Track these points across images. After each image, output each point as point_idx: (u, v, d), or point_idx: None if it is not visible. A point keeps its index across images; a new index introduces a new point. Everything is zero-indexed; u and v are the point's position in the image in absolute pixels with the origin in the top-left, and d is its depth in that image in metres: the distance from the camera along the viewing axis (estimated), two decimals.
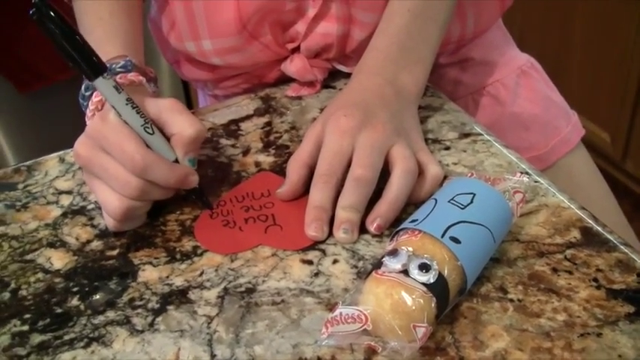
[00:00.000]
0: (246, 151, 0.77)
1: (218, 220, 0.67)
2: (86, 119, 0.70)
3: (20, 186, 0.75)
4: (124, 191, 0.63)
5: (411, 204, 0.66)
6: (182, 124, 0.65)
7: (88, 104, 0.70)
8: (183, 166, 0.66)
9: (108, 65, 0.64)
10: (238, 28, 0.82)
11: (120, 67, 0.71)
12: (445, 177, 0.69)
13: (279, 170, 0.73)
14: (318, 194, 0.64)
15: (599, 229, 0.62)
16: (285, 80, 0.90)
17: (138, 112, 0.63)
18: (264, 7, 0.80)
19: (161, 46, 0.98)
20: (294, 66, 0.86)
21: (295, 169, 0.68)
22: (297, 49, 0.87)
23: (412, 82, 0.75)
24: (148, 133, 0.64)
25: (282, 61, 0.88)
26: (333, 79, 0.89)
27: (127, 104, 0.63)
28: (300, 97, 0.86)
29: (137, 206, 0.64)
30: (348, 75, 0.85)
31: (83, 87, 0.71)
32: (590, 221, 0.63)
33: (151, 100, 0.67)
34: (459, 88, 0.96)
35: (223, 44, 0.84)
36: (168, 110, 0.66)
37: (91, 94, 0.70)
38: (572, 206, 0.65)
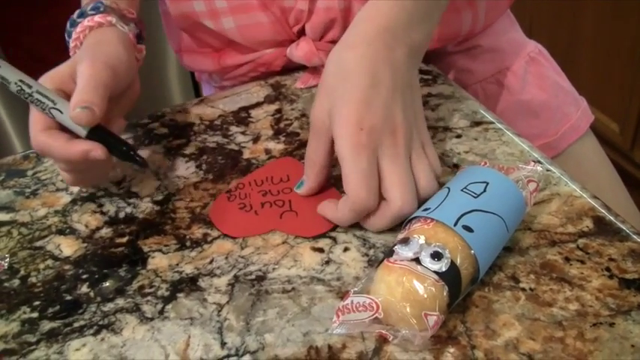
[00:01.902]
0: (256, 139, 0.77)
1: (235, 202, 0.67)
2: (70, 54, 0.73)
3: (29, 173, 0.75)
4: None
5: None
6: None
7: (70, 41, 0.74)
8: (81, 143, 0.63)
9: (81, 10, 0.73)
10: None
11: (90, 10, 0.73)
12: (457, 166, 0.69)
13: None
14: (357, 217, 0.62)
15: (612, 218, 0.62)
16: (291, 69, 0.89)
17: (38, 97, 0.64)
18: None
19: (168, 32, 0.97)
20: (300, 50, 0.86)
21: (314, 174, 0.66)
22: (302, 33, 0.86)
23: (421, 36, 0.66)
24: (60, 112, 0.64)
25: (288, 46, 0.88)
26: None
27: (19, 93, 0.64)
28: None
29: (80, 177, 0.67)
30: None
31: (68, 23, 0.74)
32: (602, 210, 0.63)
33: (86, 64, 0.66)
34: (468, 76, 0.95)
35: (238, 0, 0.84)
36: (79, 78, 0.66)
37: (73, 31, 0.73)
38: (584, 195, 0.64)
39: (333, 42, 0.86)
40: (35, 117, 0.65)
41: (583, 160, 0.97)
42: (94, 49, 0.70)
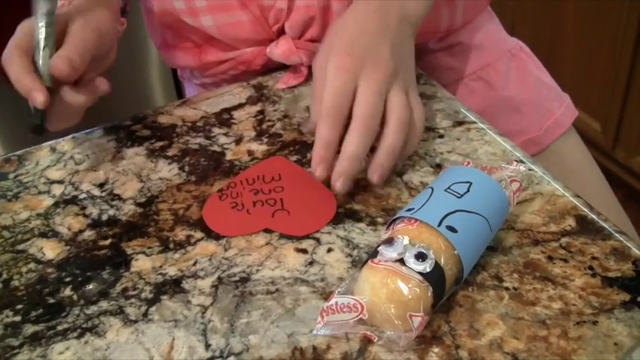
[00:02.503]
0: (239, 140, 0.76)
1: (227, 202, 0.67)
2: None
3: (11, 176, 0.74)
4: None
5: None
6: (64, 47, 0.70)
7: None
8: (32, 81, 0.67)
9: None
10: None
11: None
12: (440, 166, 0.69)
13: None
14: (326, 130, 0.65)
15: (594, 217, 0.62)
16: (271, 68, 0.89)
17: (49, 31, 0.69)
18: None
19: (150, 28, 0.97)
20: (279, 48, 0.86)
21: (317, 111, 0.68)
22: (282, 32, 0.86)
23: (416, 7, 0.73)
24: (42, 48, 0.69)
25: (267, 45, 0.88)
26: None
27: (41, 18, 0.69)
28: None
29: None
30: None
31: None
32: (585, 209, 0.63)
33: (78, 25, 0.71)
34: (450, 73, 0.95)
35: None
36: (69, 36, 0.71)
37: None
38: (566, 194, 0.65)
39: (312, 41, 0.86)
40: (25, 32, 0.70)
41: (566, 157, 0.98)
42: (86, 12, 0.73)
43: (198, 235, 0.64)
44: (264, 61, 0.90)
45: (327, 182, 0.66)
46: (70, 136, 0.78)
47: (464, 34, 0.95)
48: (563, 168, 0.94)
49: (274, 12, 0.84)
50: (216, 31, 0.87)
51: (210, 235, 0.64)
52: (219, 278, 0.59)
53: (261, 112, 0.81)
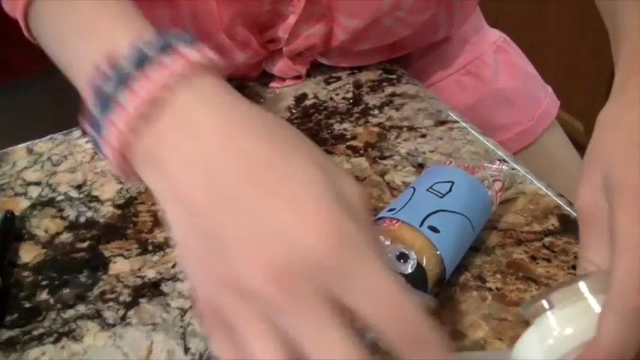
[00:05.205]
0: None
1: None
2: (111, 165, 0.43)
3: None
4: None
5: None
6: None
7: (105, 130, 0.42)
8: None
9: (161, 39, 0.42)
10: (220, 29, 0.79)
11: (182, 41, 0.42)
12: (422, 165, 0.69)
13: None
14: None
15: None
16: (268, 75, 0.88)
17: None
18: (241, 10, 0.77)
19: None
20: (276, 65, 0.84)
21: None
22: (278, 50, 0.85)
23: None
24: None
25: (263, 61, 0.86)
26: (315, 70, 0.87)
27: None
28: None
29: None
30: (329, 67, 0.85)
31: (93, 96, 0.42)
32: (567, 208, 0.63)
33: None
34: (439, 70, 0.95)
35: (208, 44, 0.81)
36: None
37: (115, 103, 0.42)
38: (549, 193, 0.64)
39: (310, 55, 0.84)
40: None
41: (553, 149, 0.98)
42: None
43: None
44: (259, 72, 0.88)
45: None
46: (48, 137, 0.77)
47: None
48: (549, 160, 0.95)
49: (271, 35, 0.82)
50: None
51: None
52: None
53: None
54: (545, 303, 0.42)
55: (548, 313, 0.42)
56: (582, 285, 0.42)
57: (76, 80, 0.47)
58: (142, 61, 0.41)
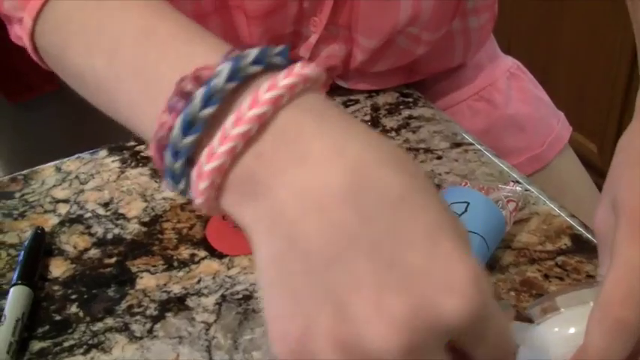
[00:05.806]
0: None
1: (229, 221, 0.68)
2: (195, 194, 0.38)
3: (17, 195, 0.75)
4: None
5: None
6: None
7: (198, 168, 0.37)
8: None
9: (254, 54, 0.36)
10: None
11: (277, 56, 0.38)
12: (438, 186, 0.71)
13: None
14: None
15: (589, 236, 0.64)
16: None
17: None
18: (269, 28, 0.79)
19: None
20: None
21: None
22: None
23: None
24: None
25: None
26: (333, 93, 0.88)
27: None
28: None
29: None
30: (347, 90, 0.87)
31: (177, 133, 0.36)
32: (580, 229, 0.64)
33: None
34: (453, 96, 0.97)
35: None
36: None
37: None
38: (562, 214, 0.66)
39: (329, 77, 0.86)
40: None
41: (565, 173, 0.99)
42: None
43: (202, 253, 0.65)
44: None
45: None
46: (75, 156, 0.80)
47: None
48: (561, 183, 0.96)
49: (293, 56, 0.83)
50: None
51: (214, 253, 0.65)
52: (223, 296, 0.61)
53: None
54: (551, 304, 0.44)
55: (554, 313, 0.44)
56: (587, 292, 0.45)
57: (142, 106, 0.42)
58: (238, 76, 0.36)
